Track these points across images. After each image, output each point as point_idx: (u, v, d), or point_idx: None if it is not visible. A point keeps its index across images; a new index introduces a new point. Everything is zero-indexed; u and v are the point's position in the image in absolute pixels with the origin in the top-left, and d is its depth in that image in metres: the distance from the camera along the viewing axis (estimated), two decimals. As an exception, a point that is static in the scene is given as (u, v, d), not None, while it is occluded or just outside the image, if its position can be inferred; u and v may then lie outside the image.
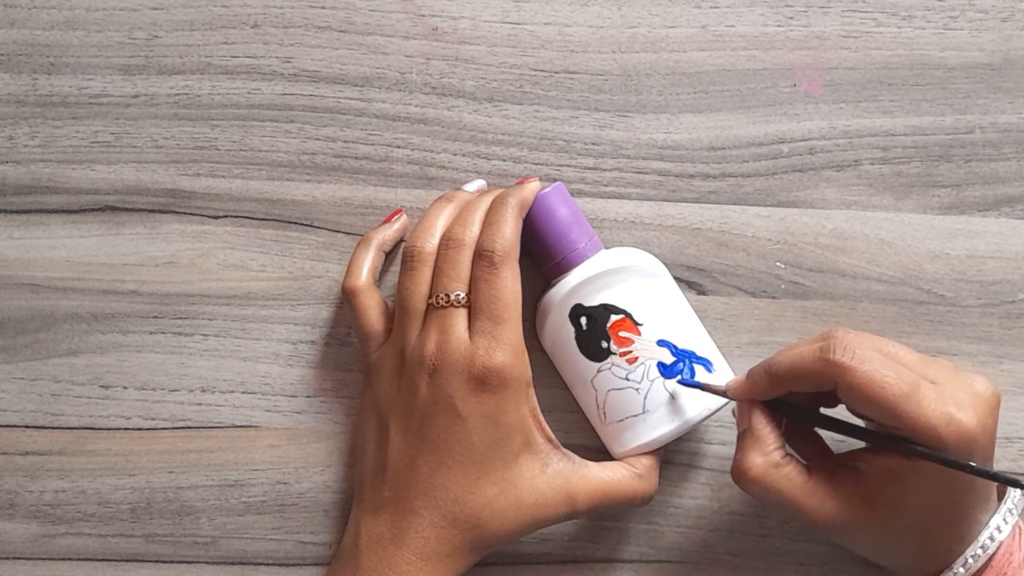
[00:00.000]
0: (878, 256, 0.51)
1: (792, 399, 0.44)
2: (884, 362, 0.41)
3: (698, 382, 0.46)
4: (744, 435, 0.44)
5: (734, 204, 0.51)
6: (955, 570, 0.43)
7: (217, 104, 0.51)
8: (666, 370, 0.47)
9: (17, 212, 0.51)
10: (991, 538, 0.43)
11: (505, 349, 0.45)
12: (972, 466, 0.40)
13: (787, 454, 0.44)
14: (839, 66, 0.51)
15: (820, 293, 0.51)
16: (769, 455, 0.43)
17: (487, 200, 0.47)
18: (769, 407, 0.44)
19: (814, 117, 0.51)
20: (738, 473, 0.44)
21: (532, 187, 0.47)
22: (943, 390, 0.41)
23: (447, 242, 0.46)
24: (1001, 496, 0.45)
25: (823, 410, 0.45)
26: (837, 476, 0.44)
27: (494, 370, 0.44)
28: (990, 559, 0.43)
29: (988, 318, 0.51)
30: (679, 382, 0.46)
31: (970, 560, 0.43)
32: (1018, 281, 0.51)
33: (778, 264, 0.51)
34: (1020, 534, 0.44)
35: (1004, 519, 0.43)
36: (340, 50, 0.51)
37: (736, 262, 0.51)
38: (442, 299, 0.45)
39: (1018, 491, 0.44)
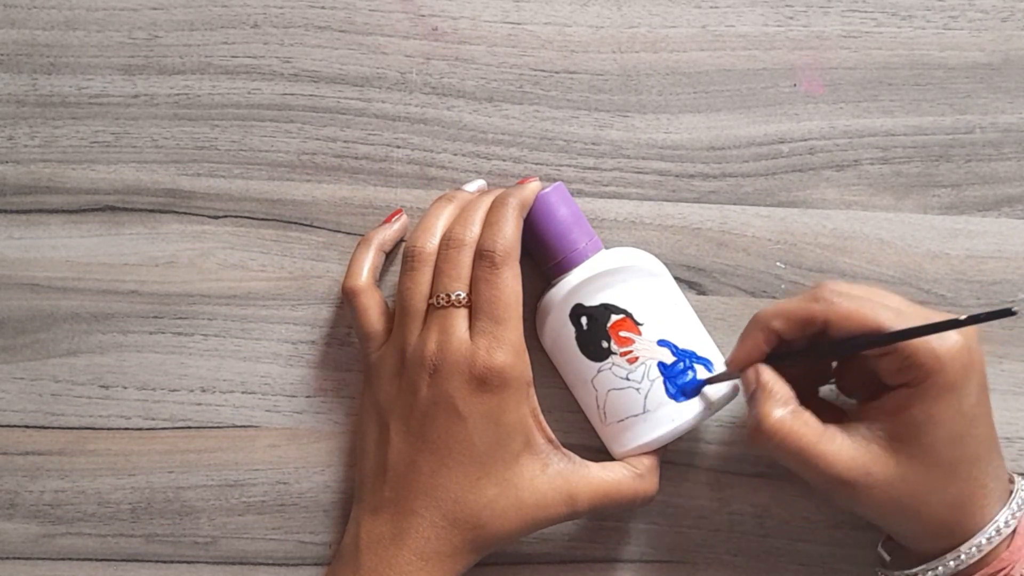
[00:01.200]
0: (878, 256, 0.51)
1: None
2: (871, 300, 0.43)
3: (700, 380, 0.46)
4: (755, 394, 0.44)
5: (734, 204, 0.51)
6: (967, 549, 0.43)
7: (217, 104, 0.51)
8: (667, 370, 0.47)
9: (17, 212, 0.51)
10: (997, 531, 0.43)
11: (506, 349, 0.45)
12: (978, 315, 0.40)
13: (800, 405, 0.44)
14: (839, 66, 0.51)
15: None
16: (786, 405, 0.43)
17: (488, 200, 0.47)
18: (769, 363, 0.45)
19: (814, 117, 0.51)
20: (755, 428, 0.43)
21: (532, 187, 0.47)
22: (928, 316, 0.43)
23: (448, 242, 0.46)
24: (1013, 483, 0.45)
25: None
26: (851, 428, 0.44)
27: (495, 370, 0.44)
28: (998, 546, 0.43)
29: (988, 318, 0.51)
30: (682, 392, 0.47)
31: (983, 541, 0.42)
32: (1018, 281, 0.51)
33: (778, 264, 0.51)
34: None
35: (1013, 513, 0.43)
36: (340, 50, 0.51)
37: (736, 262, 0.51)
38: (443, 299, 0.45)
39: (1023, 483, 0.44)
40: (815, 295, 0.43)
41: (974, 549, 0.43)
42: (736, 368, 0.46)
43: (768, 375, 0.44)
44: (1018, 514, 0.43)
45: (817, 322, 0.43)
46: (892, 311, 0.42)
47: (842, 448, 0.43)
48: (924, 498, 0.43)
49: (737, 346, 0.45)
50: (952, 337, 0.41)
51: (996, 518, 0.43)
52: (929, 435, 0.42)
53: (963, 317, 0.40)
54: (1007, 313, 0.39)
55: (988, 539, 0.43)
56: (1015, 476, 0.45)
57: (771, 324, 0.44)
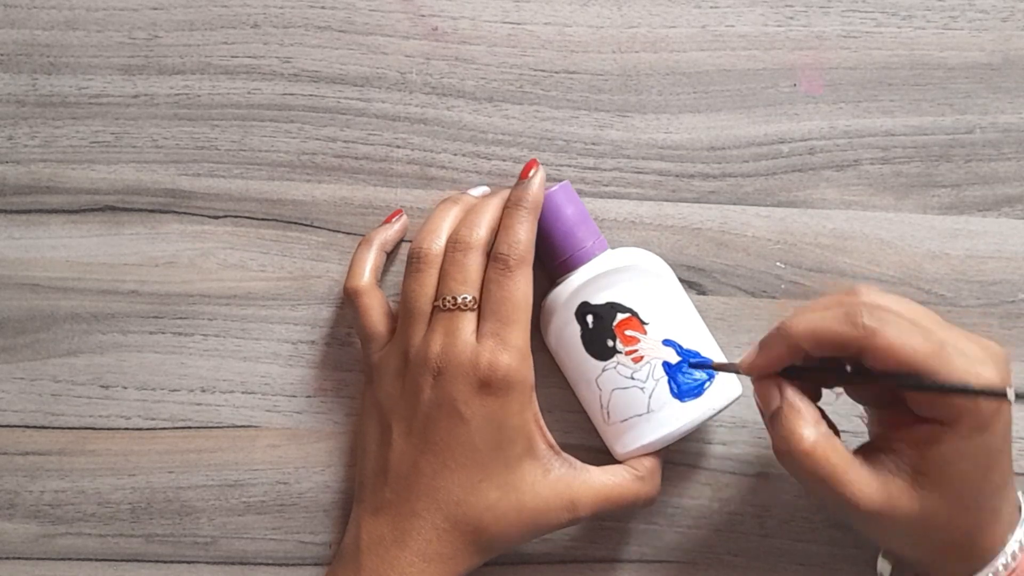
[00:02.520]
0: (878, 256, 0.51)
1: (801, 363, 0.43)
2: (909, 326, 0.40)
3: (709, 360, 0.46)
4: (780, 411, 0.42)
5: (734, 204, 0.51)
6: (988, 573, 0.42)
7: (217, 104, 0.51)
8: (671, 370, 0.47)
9: (17, 212, 0.51)
10: (1014, 555, 0.42)
11: (511, 352, 0.45)
12: (1005, 391, 0.40)
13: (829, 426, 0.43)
14: (839, 66, 0.51)
15: (820, 293, 0.51)
16: (817, 425, 0.42)
17: (493, 202, 0.47)
18: (783, 376, 0.43)
19: (814, 117, 0.51)
20: (786, 447, 0.42)
21: (540, 183, 0.47)
22: (964, 349, 0.41)
23: (454, 244, 0.46)
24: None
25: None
26: (875, 458, 0.42)
27: (499, 372, 0.44)
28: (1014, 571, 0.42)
29: (988, 318, 0.51)
30: (690, 364, 0.46)
31: (1000, 567, 0.42)
32: (1018, 281, 0.51)
33: (778, 264, 0.51)
34: None
35: None
36: (340, 50, 0.51)
37: (736, 262, 0.51)
38: (449, 302, 0.45)
39: None
40: (850, 316, 0.40)
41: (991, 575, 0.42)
42: (751, 374, 0.44)
43: (795, 394, 0.42)
44: None
45: (851, 349, 0.41)
46: (932, 346, 0.40)
47: (869, 480, 0.41)
48: (943, 528, 0.42)
49: (758, 352, 0.43)
50: (988, 377, 0.40)
51: (1010, 542, 0.42)
52: (956, 471, 0.41)
53: (1009, 393, 0.40)
54: None
55: (1004, 565, 0.42)
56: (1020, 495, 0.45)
57: (800, 342, 0.42)
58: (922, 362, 0.40)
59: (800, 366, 0.43)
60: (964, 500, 0.42)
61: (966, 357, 0.41)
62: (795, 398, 0.42)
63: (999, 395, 0.40)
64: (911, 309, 0.42)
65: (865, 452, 0.43)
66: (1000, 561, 0.42)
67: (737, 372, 0.45)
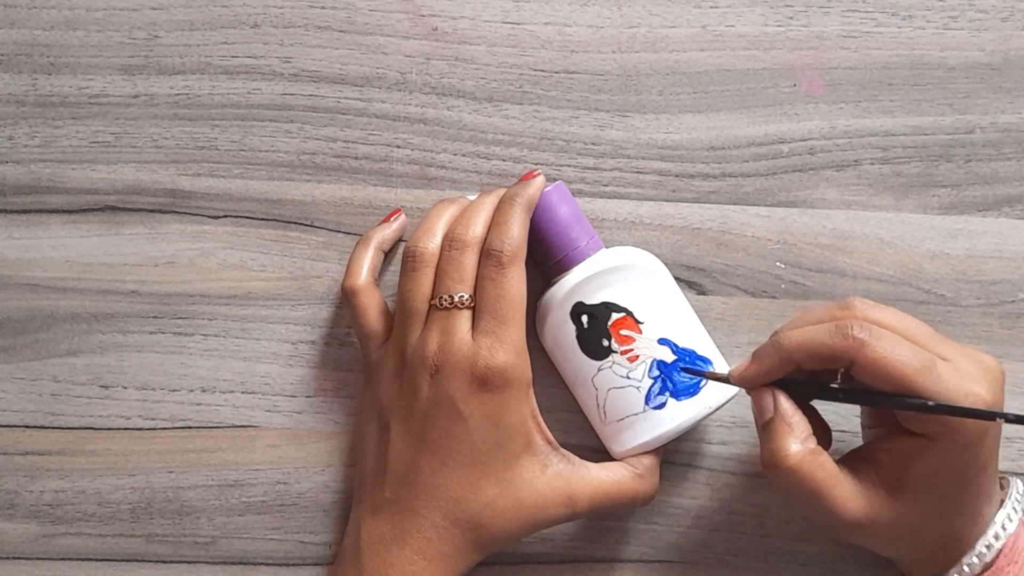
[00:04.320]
0: (878, 256, 0.51)
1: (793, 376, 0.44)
2: (900, 340, 0.41)
3: (700, 368, 0.46)
4: (772, 423, 0.43)
5: (734, 204, 0.51)
6: (969, 560, 0.43)
7: (217, 104, 0.51)
8: (666, 368, 0.47)
9: (17, 212, 0.51)
10: (996, 536, 0.43)
11: (508, 349, 0.45)
12: (995, 412, 0.40)
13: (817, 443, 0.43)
14: (839, 66, 0.51)
15: (820, 293, 0.51)
16: (805, 442, 0.42)
17: (489, 201, 0.47)
18: (776, 387, 0.43)
19: (814, 117, 0.51)
20: (772, 461, 0.42)
21: (537, 184, 0.47)
22: (957, 365, 0.41)
23: (450, 243, 0.46)
24: (1005, 487, 0.45)
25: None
26: (859, 469, 0.43)
27: (496, 370, 0.44)
28: (998, 554, 0.43)
29: (988, 318, 0.51)
30: (681, 368, 0.46)
31: (983, 549, 0.42)
32: (1018, 281, 0.51)
33: (778, 264, 0.51)
34: None
35: (1009, 516, 0.43)
36: (340, 50, 0.51)
37: (736, 262, 0.51)
38: (445, 300, 0.45)
39: (1020, 484, 0.44)
40: (841, 329, 0.41)
41: (975, 559, 0.43)
42: (744, 384, 0.44)
43: (786, 405, 0.43)
44: (1008, 525, 0.43)
45: (843, 361, 0.41)
46: (921, 361, 0.40)
47: (851, 494, 0.42)
48: (923, 534, 0.43)
49: (752, 363, 0.44)
50: (977, 394, 0.40)
51: (987, 531, 0.43)
52: (937, 484, 0.42)
53: (1008, 415, 0.39)
54: None
55: (979, 556, 0.43)
56: (1009, 479, 0.45)
57: (793, 355, 0.42)
58: (911, 377, 0.40)
59: (792, 379, 0.43)
60: (944, 510, 0.42)
61: (957, 374, 0.41)
62: (788, 412, 0.43)
63: (985, 416, 0.40)
64: (904, 323, 0.43)
65: (849, 462, 0.44)
66: (982, 544, 0.43)
67: (728, 382, 0.45)
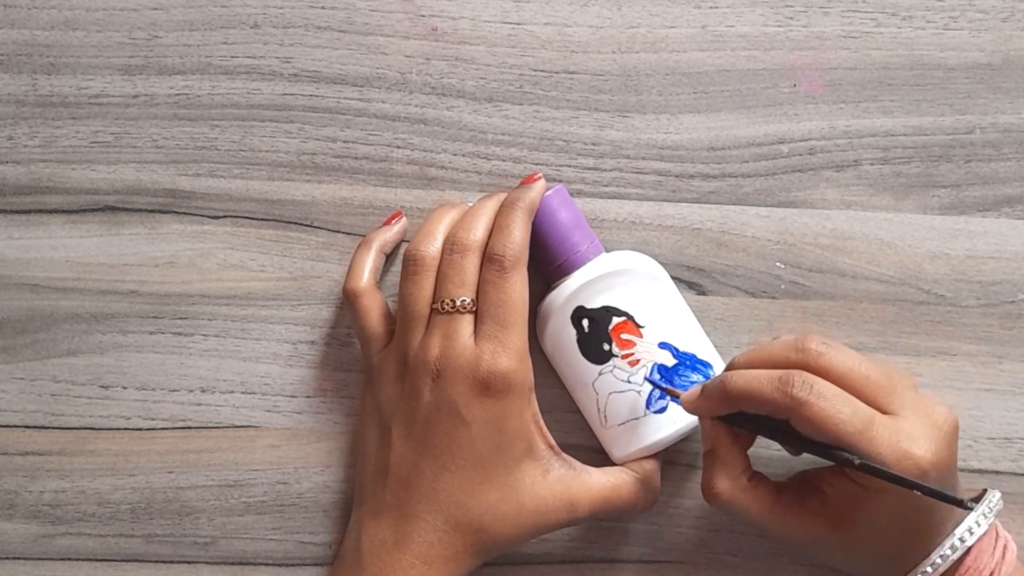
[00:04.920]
0: (878, 256, 0.51)
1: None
2: (841, 398, 0.41)
3: (659, 383, 0.46)
4: (708, 456, 0.44)
5: (734, 204, 0.51)
6: (923, 568, 0.43)
7: (217, 104, 0.51)
8: (667, 373, 0.47)
9: (17, 212, 0.51)
10: (961, 539, 0.42)
11: (510, 354, 0.45)
12: (918, 484, 0.40)
13: (754, 474, 0.44)
14: (839, 66, 0.51)
15: (820, 293, 0.51)
16: (736, 479, 0.44)
17: (490, 204, 0.47)
18: (727, 421, 0.44)
19: (814, 117, 0.51)
20: (707, 493, 0.44)
21: (539, 188, 0.47)
22: (899, 423, 0.41)
23: (451, 247, 0.46)
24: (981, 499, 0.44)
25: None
26: (804, 496, 0.44)
27: (499, 374, 0.44)
28: (961, 560, 0.42)
29: (988, 318, 0.51)
30: (646, 379, 0.46)
31: (938, 560, 0.42)
32: (1018, 281, 0.51)
33: (778, 264, 0.51)
34: (1001, 546, 0.43)
35: (977, 521, 0.43)
36: (340, 50, 0.51)
37: (736, 262, 0.51)
38: (447, 304, 0.45)
39: (997, 493, 0.44)
40: (783, 384, 0.41)
41: (939, 559, 0.43)
42: (687, 410, 0.45)
43: (724, 444, 0.44)
44: (968, 537, 0.43)
45: (782, 415, 0.42)
46: (859, 423, 0.41)
47: (792, 524, 0.43)
48: (877, 560, 0.43)
49: (700, 396, 0.44)
50: (914, 455, 0.41)
51: (944, 543, 0.43)
52: (879, 526, 0.42)
53: (923, 487, 0.40)
54: (959, 503, 0.40)
55: (952, 548, 0.42)
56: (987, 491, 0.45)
57: (736, 401, 0.43)
58: (846, 436, 0.41)
59: (742, 413, 0.44)
60: (889, 544, 0.43)
61: (896, 434, 0.41)
62: (723, 448, 0.44)
63: (903, 483, 0.40)
64: (858, 371, 0.42)
65: (798, 485, 0.45)
66: (938, 553, 0.43)
67: (678, 403, 0.45)
